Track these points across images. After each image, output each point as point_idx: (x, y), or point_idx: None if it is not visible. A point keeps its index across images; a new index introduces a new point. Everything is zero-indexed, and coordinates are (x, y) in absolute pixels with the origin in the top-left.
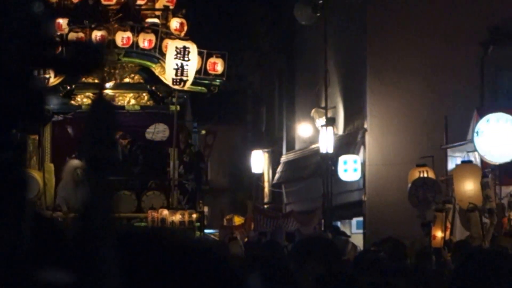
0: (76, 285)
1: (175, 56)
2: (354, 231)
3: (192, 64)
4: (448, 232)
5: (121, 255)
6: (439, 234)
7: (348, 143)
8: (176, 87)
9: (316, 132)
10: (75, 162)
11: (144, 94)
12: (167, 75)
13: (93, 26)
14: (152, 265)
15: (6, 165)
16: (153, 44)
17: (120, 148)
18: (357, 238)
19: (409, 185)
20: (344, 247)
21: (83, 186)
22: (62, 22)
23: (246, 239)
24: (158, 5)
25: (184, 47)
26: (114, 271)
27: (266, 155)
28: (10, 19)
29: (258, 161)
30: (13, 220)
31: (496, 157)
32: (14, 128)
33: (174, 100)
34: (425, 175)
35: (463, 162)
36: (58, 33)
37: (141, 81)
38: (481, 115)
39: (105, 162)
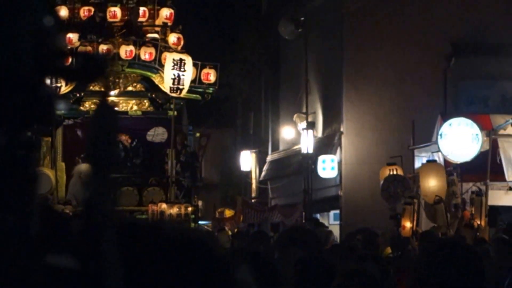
0: (80, 270)
1: (173, 67)
2: (331, 222)
3: (188, 74)
4: (415, 223)
5: (120, 243)
6: (408, 224)
7: (326, 144)
8: (174, 94)
9: (298, 134)
10: (81, 167)
11: (145, 101)
12: (166, 84)
13: (100, 40)
14: (148, 251)
15: (19, 162)
16: (153, 57)
17: (123, 143)
18: (334, 229)
19: (381, 181)
20: (327, 238)
21: (88, 186)
22: (73, 36)
23: (236, 230)
24: (157, 22)
25: (181, 59)
26: (114, 257)
27: (254, 155)
28: (24, 32)
29: (247, 160)
30: (23, 211)
31: (458, 157)
32: (27, 129)
33: (171, 106)
34: (395, 172)
35: (428, 161)
36: (69, 47)
37: (143, 89)
38: (444, 119)
39: (107, 161)
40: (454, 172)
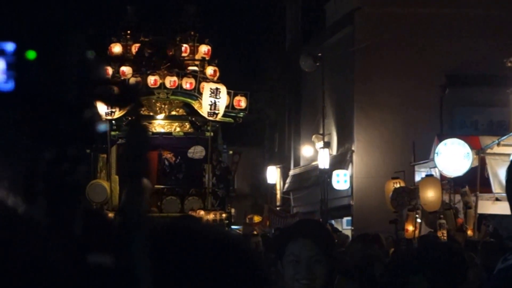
0: (115, 265)
1: (210, 95)
2: (344, 227)
3: (223, 101)
4: (417, 229)
5: (155, 242)
6: (410, 228)
7: (340, 161)
8: (210, 118)
9: (316, 152)
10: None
11: (186, 123)
12: (204, 109)
13: (148, 72)
14: (181, 250)
15: (64, 173)
16: (193, 86)
17: (168, 160)
18: (346, 233)
19: (391, 192)
20: (345, 240)
21: (124, 195)
22: (125, 69)
23: (262, 234)
24: (197, 57)
25: (217, 88)
26: (146, 254)
27: (278, 169)
28: (72, 64)
29: (272, 174)
30: (68, 214)
31: (452, 172)
32: (71, 147)
33: (209, 128)
34: (398, 185)
35: (426, 175)
36: (122, 78)
37: (184, 113)
38: (440, 140)
39: (138, 173)
40: (447, 184)
